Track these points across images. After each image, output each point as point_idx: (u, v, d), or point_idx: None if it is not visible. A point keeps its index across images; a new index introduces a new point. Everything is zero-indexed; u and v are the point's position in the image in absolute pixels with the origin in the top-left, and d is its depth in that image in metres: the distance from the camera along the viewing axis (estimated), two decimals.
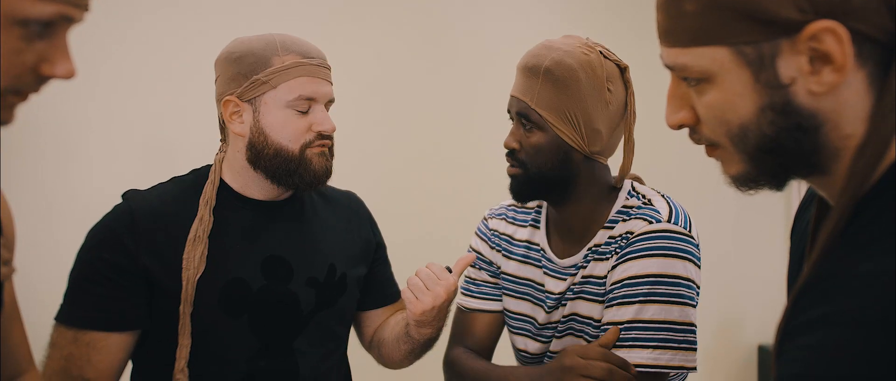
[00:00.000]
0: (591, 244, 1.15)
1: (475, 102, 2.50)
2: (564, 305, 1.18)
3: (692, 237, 1.09)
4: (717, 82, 0.63)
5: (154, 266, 1.10)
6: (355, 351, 1.36)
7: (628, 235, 1.10)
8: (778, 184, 0.67)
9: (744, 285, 2.84)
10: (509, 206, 1.30)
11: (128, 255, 1.09)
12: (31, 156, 1.89)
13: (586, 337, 1.15)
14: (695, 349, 1.08)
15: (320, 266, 1.22)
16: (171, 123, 2.15)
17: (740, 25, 0.60)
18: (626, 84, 1.15)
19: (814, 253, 0.61)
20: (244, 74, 1.13)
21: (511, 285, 1.26)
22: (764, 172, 0.65)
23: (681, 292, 1.06)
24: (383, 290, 1.35)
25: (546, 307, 1.20)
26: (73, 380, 1.07)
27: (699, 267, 1.09)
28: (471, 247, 1.32)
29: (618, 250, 1.10)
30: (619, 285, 1.08)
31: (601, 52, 1.13)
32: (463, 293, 1.32)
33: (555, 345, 1.20)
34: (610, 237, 1.13)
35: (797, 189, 2.92)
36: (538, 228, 1.24)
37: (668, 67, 0.67)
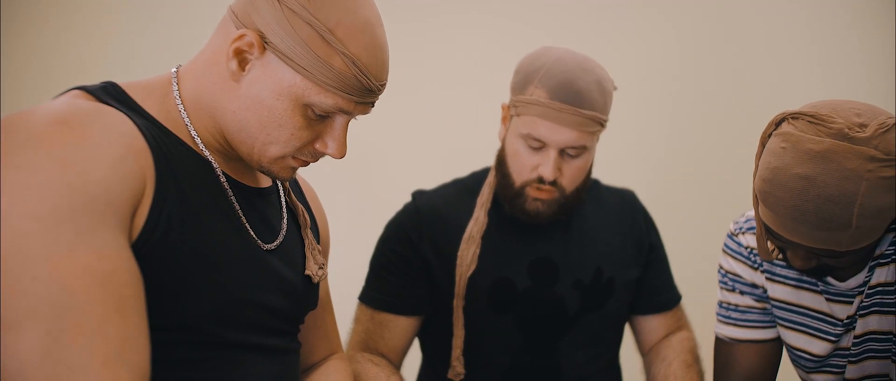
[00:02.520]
0: (875, 253, 0.98)
1: (758, 98, 2.24)
2: (853, 327, 1.01)
3: None
4: None
5: (433, 260, 1.21)
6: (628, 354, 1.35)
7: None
8: None
9: None
10: (752, 217, 1.14)
11: (413, 248, 1.22)
12: (343, 163, 2.20)
13: (893, 358, 0.98)
14: None
15: (587, 269, 1.22)
16: (466, 128, 2.31)
17: None
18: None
19: None
20: (512, 89, 1.20)
21: (782, 314, 1.11)
22: None
23: None
24: (656, 294, 1.31)
25: (832, 337, 1.04)
26: (370, 351, 1.24)
27: None
28: (722, 268, 1.18)
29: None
30: (874, 290, 0.94)
31: (888, 158, 0.85)
32: (723, 322, 1.18)
33: (851, 372, 1.03)
34: (894, 238, 0.95)
35: None
36: None
37: None
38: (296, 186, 1.00)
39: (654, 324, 1.31)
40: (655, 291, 1.31)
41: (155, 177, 0.73)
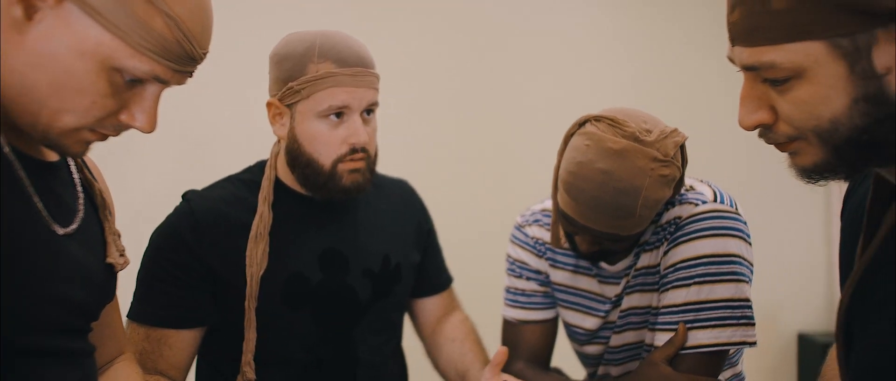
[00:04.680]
0: (640, 241, 1.16)
1: (518, 96, 2.52)
2: (620, 304, 1.19)
3: (740, 215, 1.11)
4: (808, 77, 0.62)
5: (217, 264, 1.15)
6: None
7: (676, 220, 1.11)
8: (853, 174, 0.67)
9: (782, 275, 2.84)
10: (542, 211, 1.29)
11: (192, 254, 1.14)
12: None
13: (649, 327, 1.16)
14: (753, 325, 1.09)
15: (375, 257, 1.25)
16: (210, 120, 2.20)
17: (836, 18, 0.60)
18: (683, 152, 1.09)
19: (881, 232, 0.62)
20: (283, 79, 1.14)
21: (562, 296, 1.26)
22: (845, 162, 0.65)
23: (735, 269, 1.07)
24: (433, 277, 1.38)
25: (601, 313, 1.21)
26: (148, 372, 1.12)
27: (750, 245, 1.11)
28: (510, 257, 1.31)
29: (667, 236, 1.12)
30: (672, 268, 1.10)
31: (665, 159, 1.03)
32: (510, 305, 1.30)
33: (614, 340, 1.21)
34: (657, 227, 1.14)
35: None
36: None
37: (749, 67, 0.66)
38: (82, 161, 0.87)
39: (432, 305, 1.39)
40: (433, 274, 1.39)
41: None
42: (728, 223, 1.08)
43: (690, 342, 1.07)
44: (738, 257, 1.08)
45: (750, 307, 1.09)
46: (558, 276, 1.26)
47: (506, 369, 1.28)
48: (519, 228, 1.30)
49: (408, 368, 1.39)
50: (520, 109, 2.52)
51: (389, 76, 2.33)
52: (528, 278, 1.28)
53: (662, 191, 1.04)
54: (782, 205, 2.84)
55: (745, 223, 1.11)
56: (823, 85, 0.62)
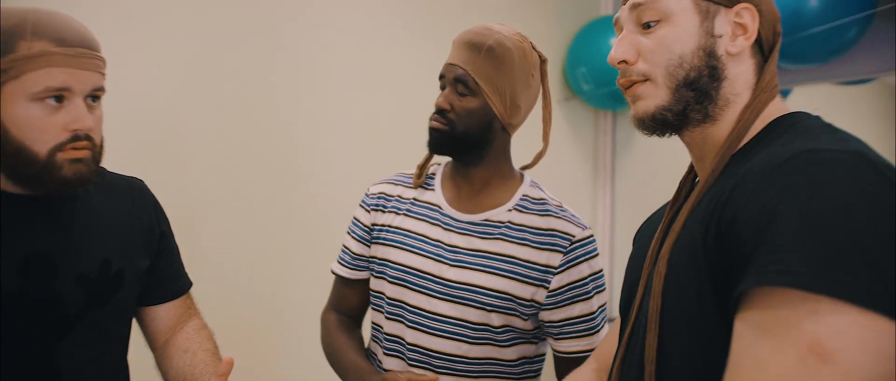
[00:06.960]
0: (491, 217, 1.28)
1: (300, 96, 2.38)
2: (460, 267, 1.26)
3: None
4: (672, 21, 0.87)
5: None
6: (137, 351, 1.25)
7: (568, 237, 1.26)
8: (680, 124, 0.88)
9: None
10: (397, 174, 1.42)
11: None
12: None
13: (474, 305, 1.24)
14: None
15: (93, 261, 1.11)
16: None
17: None
18: (543, 74, 1.32)
19: (710, 175, 0.84)
20: None
21: (403, 239, 1.33)
22: (677, 106, 0.87)
23: (602, 282, 1.29)
24: (168, 283, 1.27)
25: (447, 260, 1.27)
26: None
27: None
28: (354, 218, 1.42)
29: (558, 248, 1.24)
30: (567, 287, 1.25)
31: (531, 44, 1.30)
32: (340, 263, 1.43)
33: (445, 309, 1.26)
34: (530, 226, 1.26)
35: (610, 228, 3.09)
36: (433, 190, 1.36)
37: (638, 3, 0.89)
38: None
39: (165, 313, 1.27)
40: (166, 279, 1.27)
41: None
42: (595, 246, 1.29)
43: (587, 347, 1.26)
44: (601, 272, 1.30)
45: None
46: (406, 222, 1.34)
47: (324, 312, 1.43)
48: (366, 193, 1.43)
49: None
50: (311, 114, 2.38)
51: (186, 76, 2.08)
52: (358, 240, 1.40)
53: (513, 45, 1.25)
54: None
55: None
56: (681, 29, 0.87)
